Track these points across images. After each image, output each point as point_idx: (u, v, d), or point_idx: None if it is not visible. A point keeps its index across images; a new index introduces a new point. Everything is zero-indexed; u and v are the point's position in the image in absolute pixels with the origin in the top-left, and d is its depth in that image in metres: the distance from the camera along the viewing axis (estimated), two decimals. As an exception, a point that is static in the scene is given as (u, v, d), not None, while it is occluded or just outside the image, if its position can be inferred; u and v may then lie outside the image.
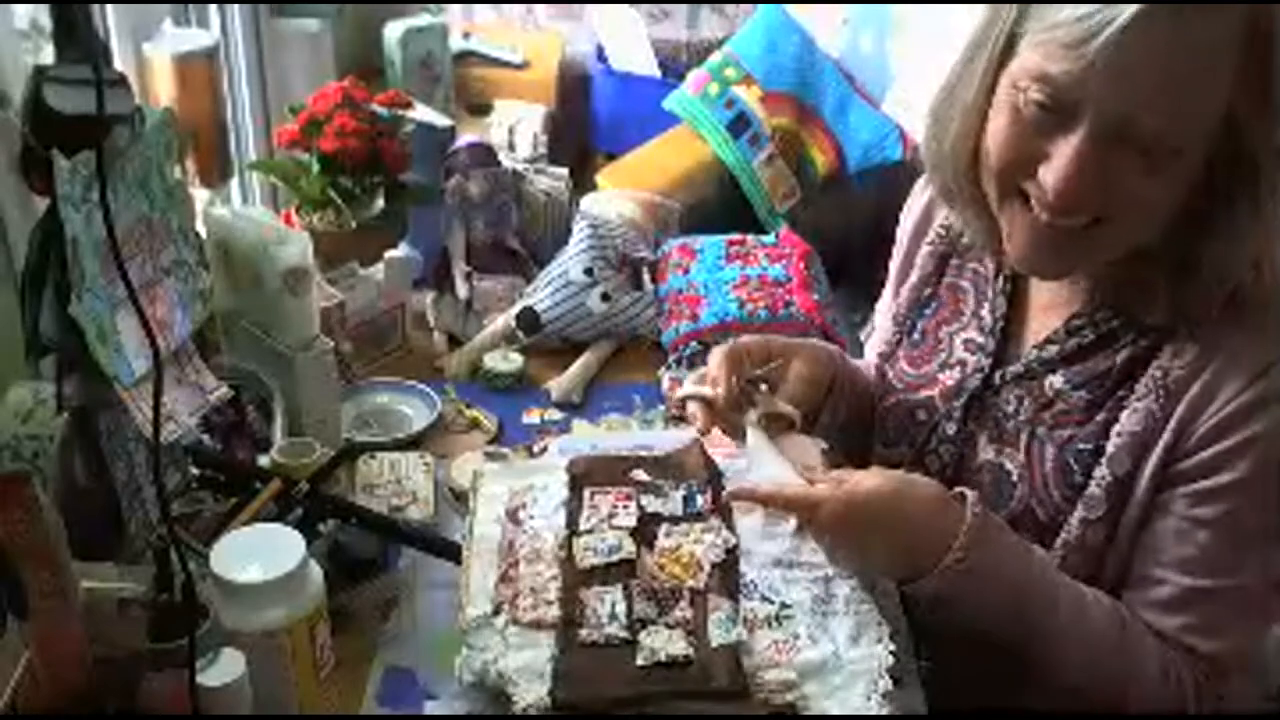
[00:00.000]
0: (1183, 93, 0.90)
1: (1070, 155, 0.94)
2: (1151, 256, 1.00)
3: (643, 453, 1.22)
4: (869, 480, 1.02)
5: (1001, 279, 1.16)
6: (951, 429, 1.16)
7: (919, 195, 1.26)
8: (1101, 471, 1.03)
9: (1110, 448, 1.03)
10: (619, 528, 1.11)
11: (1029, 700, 1.10)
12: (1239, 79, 0.91)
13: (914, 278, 1.24)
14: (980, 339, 1.16)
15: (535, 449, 1.40)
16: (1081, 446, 1.05)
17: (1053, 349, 1.09)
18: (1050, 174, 0.95)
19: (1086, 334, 1.07)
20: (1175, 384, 1.00)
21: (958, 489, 1.04)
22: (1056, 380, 1.08)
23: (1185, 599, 1.00)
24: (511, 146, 2.21)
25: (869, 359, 1.35)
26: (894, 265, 1.30)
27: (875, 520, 1.02)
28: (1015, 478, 1.10)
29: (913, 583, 1.02)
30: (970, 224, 1.12)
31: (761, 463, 1.12)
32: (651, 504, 1.14)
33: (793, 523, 1.14)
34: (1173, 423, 0.99)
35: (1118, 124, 0.92)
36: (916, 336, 1.24)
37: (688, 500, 1.15)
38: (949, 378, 1.18)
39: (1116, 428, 1.03)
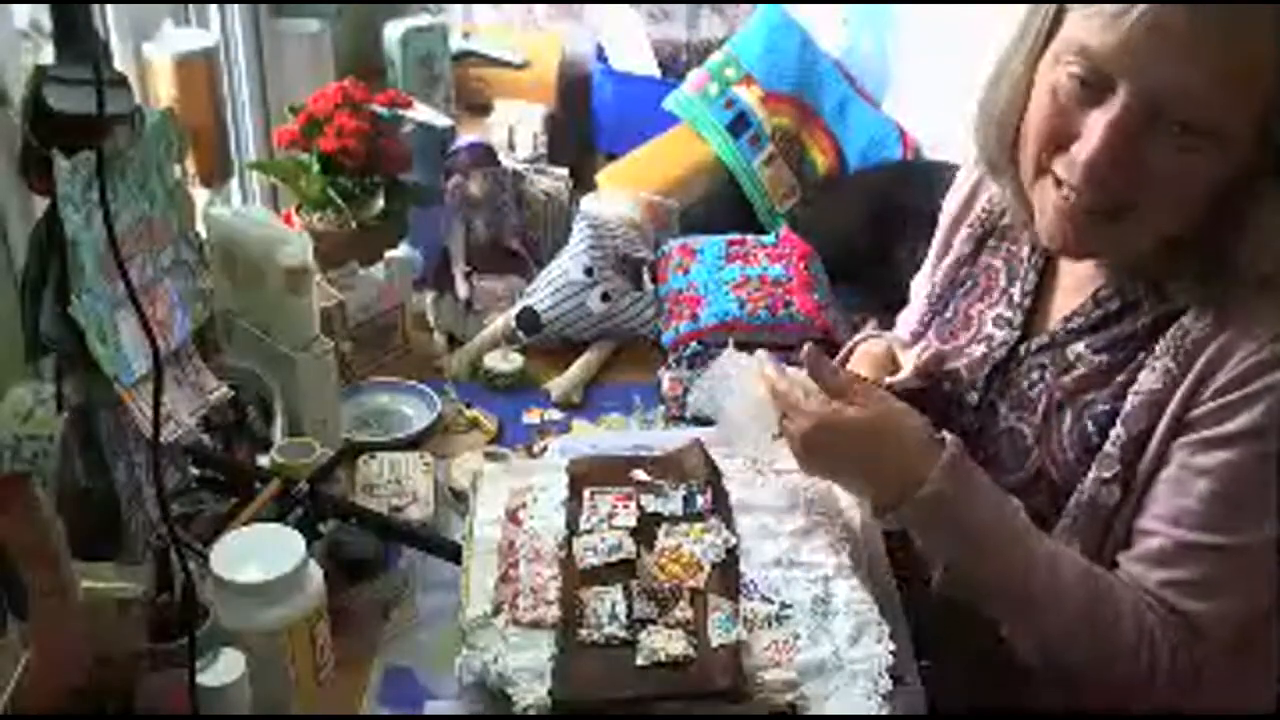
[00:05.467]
0: (1222, 73, 0.89)
1: (1101, 130, 0.94)
2: (1183, 244, 1.00)
3: (643, 453, 1.22)
4: (853, 411, 1.05)
5: (1035, 256, 1.17)
6: (974, 399, 1.17)
7: (964, 180, 1.28)
8: (1117, 431, 1.03)
9: (1126, 406, 1.03)
10: (619, 528, 1.11)
11: (1022, 687, 1.10)
12: None
13: (950, 258, 1.26)
14: (1009, 314, 1.18)
15: (535, 449, 1.40)
16: (1100, 408, 1.06)
17: (1079, 320, 1.10)
18: (1081, 149, 0.96)
19: (1113, 303, 1.08)
20: (1194, 344, 1.00)
21: (940, 434, 1.05)
22: (1079, 347, 1.09)
23: (1174, 553, 1.00)
24: (511, 146, 2.21)
25: (900, 333, 1.36)
26: (933, 247, 1.32)
27: (847, 449, 1.07)
28: (1031, 441, 1.10)
29: (886, 512, 1.06)
30: (1010, 200, 1.14)
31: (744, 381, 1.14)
32: (651, 504, 1.14)
33: (793, 523, 1.15)
34: (1188, 380, 0.99)
35: (1152, 100, 0.92)
36: (949, 315, 1.25)
37: (688, 500, 1.15)
38: (976, 351, 1.19)
39: (1134, 387, 1.03)
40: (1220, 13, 0.89)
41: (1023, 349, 1.15)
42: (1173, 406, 1.00)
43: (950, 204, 1.30)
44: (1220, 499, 0.98)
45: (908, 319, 1.36)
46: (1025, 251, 1.18)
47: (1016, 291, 1.18)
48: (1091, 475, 1.04)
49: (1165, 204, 0.97)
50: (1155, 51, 0.90)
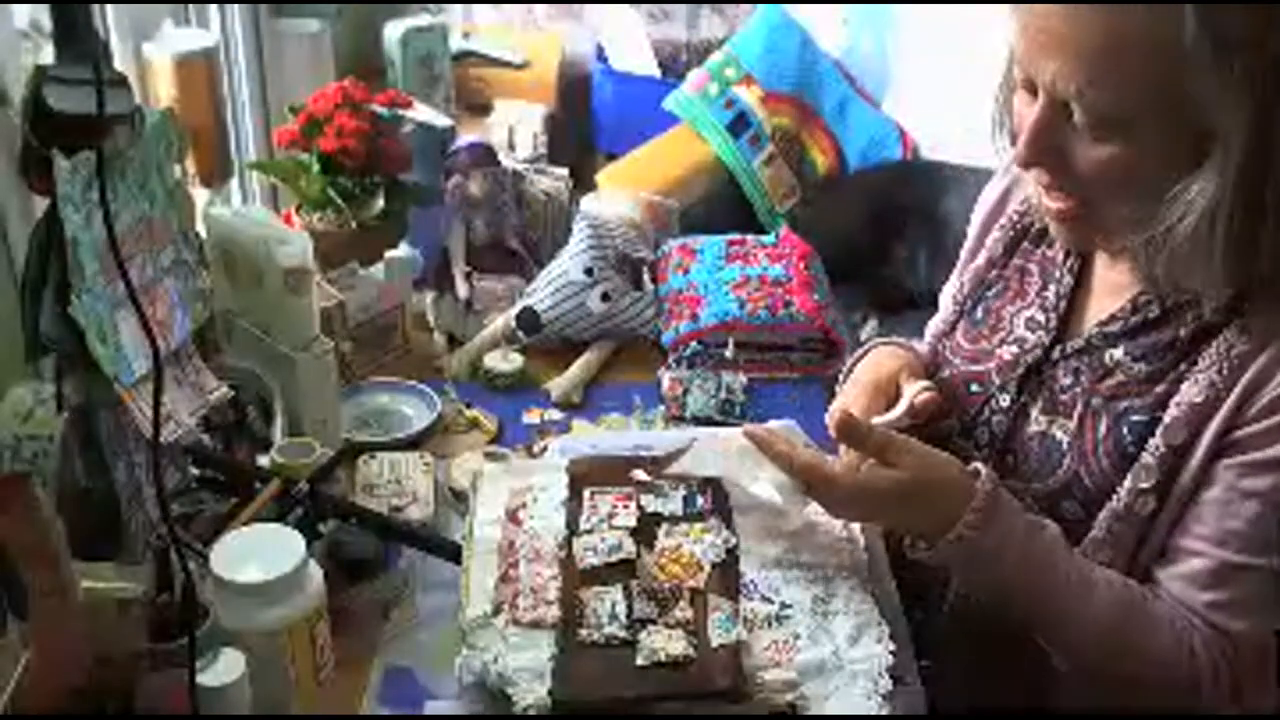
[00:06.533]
0: (1106, 65, 0.92)
1: (1027, 124, 0.99)
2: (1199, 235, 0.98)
3: (643, 453, 1.22)
4: (885, 475, 1.04)
5: (1070, 259, 1.16)
6: (1005, 400, 1.15)
7: (996, 183, 1.27)
8: (1155, 442, 1.02)
9: (1167, 418, 1.01)
10: (619, 528, 1.11)
11: (1024, 687, 1.10)
12: (1194, 54, 0.89)
13: (981, 260, 1.25)
14: (1042, 317, 1.16)
15: (535, 449, 1.40)
16: (1137, 417, 1.04)
17: (1116, 325, 1.09)
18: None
19: (1153, 309, 1.06)
20: (1240, 357, 0.98)
21: (974, 465, 1.05)
22: (1117, 353, 1.08)
23: (1219, 574, 1.00)
24: (511, 146, 2.21)
25: (919, 348, 1.36)
26: (964, 250, 1.31)
27: (881, 509, 1.08)
28: (1065, 446, 1.09)
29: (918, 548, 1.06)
30: (1036, 200, 1.14)
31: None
32: (651, 504, 1.14)
33: (793, 523, 1.15)
34: (1234, 394, 0.98)
35: (1060, 96, 0.95)
36: (978, 315, 1.24)
37: (688, 500, 1.15)
38: (1006, 353, 1.18)
39: (1176, 399, 1.01)
40: (1097, 12, 0.91)
41: (1056, 352, 1.13)
42: (1216, 422, 0.99)
43: (982, 206, 1.29)
44: (1269, 521, 0.98)
45: (934, 323, 1.34)
46: (1060, 255, 1.17)
47: (1051, 294, 1.16)
48: (1127, 485, 1.03)
49: (1110, 198, 0.99)
50: (1045, 50, 0.94)
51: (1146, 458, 1.02)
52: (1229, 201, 0.92)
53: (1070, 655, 1.06)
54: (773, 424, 1.16)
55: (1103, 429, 1.06)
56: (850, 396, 1.21)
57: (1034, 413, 1.13)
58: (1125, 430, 1.05)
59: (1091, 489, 1.06)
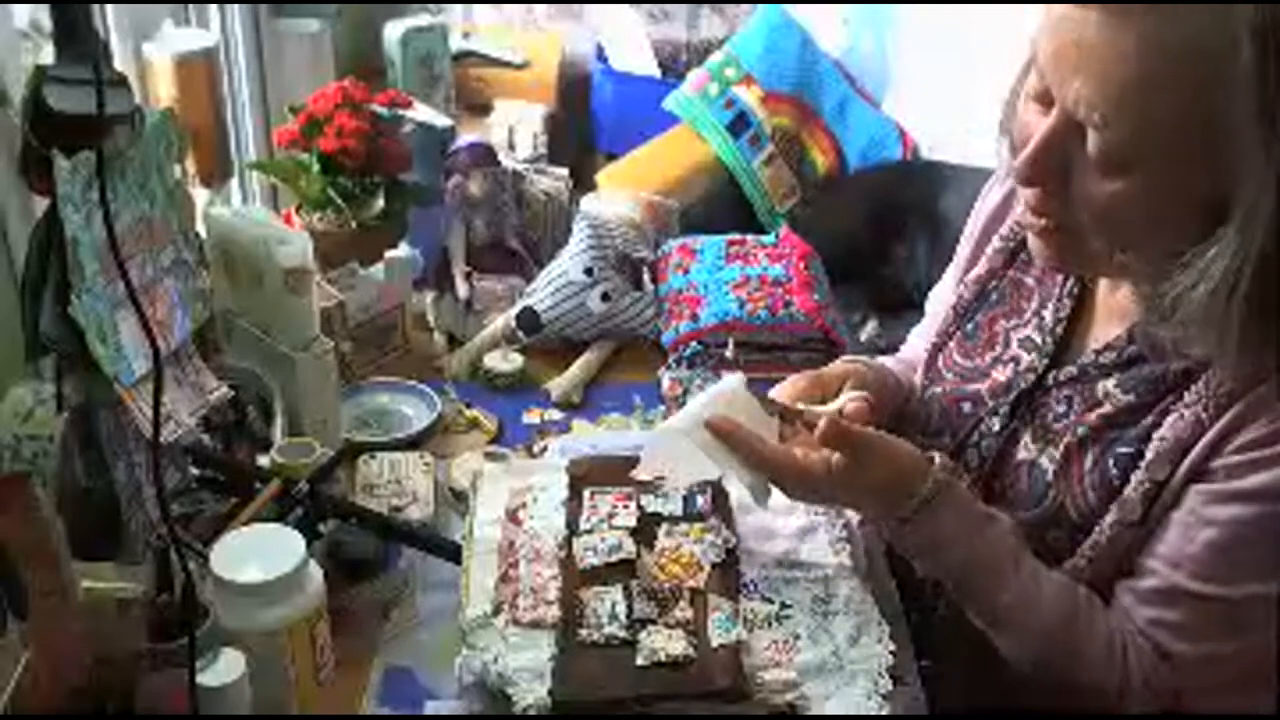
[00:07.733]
0: (1142, 97, 0.86)
1: (1034, 139, 0.93)
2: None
3: (642, 453, 1.22)
4: (864, 478, 1.03)
5: (1070, 282, 1.13)
6: (996, 425, 1.13)
7: (996, 189, 1.23)
8: (1140, 476, 1.00)
9: (1151, 452, 1.00)
10: (619, 528, 1.11)
11: (1022, 688, 1.10)
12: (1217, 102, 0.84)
13: (980, 270, 1.21)
14: (1038, 338, 1.14)
15: (535, 449, 1.41)
16: (1123, 450, 1.03)
17: (1112, 354, 1.06)
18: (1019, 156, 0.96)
19: (1148, 341, 1.03)
20: (1227, 396, 0.96)
21: (929, 454, 1.05)
22: (1109, 384, 1.05)
23: (1167, 594, 0.99)
24: (511, 146, 2.21)
25: (913, 348, 1.34)
26: (960, 256, 1.28)
27: (856, 504, 1.11)
28: (1050, 476, 1.07)
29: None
30: None
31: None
32: (651, 504, 1.14)
33: (793, 523, 1.15)
34: (1215, 429, 0.96)
35: (1078, 118, 0.90)
36: (971, 328, 1.21)
37: (688, 500, 1.15)
38: (1001, 373, 1.15)
39: (1160, 432, 1.00)
40: (1140, 40, 0.85)
41: (1050, 377, 1.10)
42: (1195, 453, 0.97)
43: (980, 214, 1.25)
44: (1222, 551, 0.96)
45: (926, 330, 1.32)
46: (1060, 275, 1.14)
47: (1049, 316, 1.13)
48: (1111, 518, 1.02)
49: (1102, 235, 0.95)
50: (1073, 63, 0.88)
51: (1130, 492, 1.01)
52: (1252, 270, 0.87)
53: (1013, 650, 1.05)
54: (725, 382, 1.11)
55: (1089, 461, 1.05)
56: (791, 380, 1.17)
57: (1025, 439, 1.11)
58: (1111, 463, 1.03)
59: (1077, 520, 1.05)
